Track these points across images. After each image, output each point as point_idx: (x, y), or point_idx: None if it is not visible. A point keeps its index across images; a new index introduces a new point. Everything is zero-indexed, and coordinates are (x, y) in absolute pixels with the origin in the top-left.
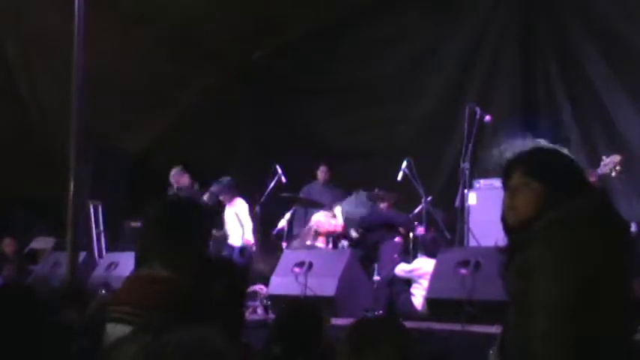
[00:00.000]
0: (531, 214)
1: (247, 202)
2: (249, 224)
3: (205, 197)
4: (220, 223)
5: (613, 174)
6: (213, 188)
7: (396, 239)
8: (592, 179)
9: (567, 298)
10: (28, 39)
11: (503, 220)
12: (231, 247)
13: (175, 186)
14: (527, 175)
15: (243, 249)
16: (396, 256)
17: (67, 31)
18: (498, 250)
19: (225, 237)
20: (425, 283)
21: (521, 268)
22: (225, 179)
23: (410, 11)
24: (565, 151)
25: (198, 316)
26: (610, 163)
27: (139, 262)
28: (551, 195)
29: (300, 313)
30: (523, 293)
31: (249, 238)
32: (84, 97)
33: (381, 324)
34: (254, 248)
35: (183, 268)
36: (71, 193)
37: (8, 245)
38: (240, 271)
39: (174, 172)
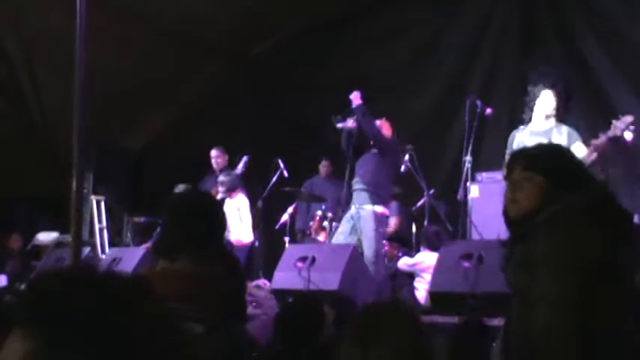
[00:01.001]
0: (533, 207)
1: (248, 198)
2: (248, 221)
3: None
4: None
5: (627, 135)
6: (223, 178)
7: None
8: (602, 141)
9: (569, 290)
10: (29, 36)
11: (505, 213)
12: (230, 244)
13: (217, 167)
14: (530, 169)
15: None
16: None
17: (68, 28)
18: (501, 243)
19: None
20: (427, 277)
21: (524, 261)
22: (234, 172)
23: (410, 6)
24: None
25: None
26: (621, 124)
27: (161, 254)
28: (553, 189)
29: (302, 307)
30: (526, 286)
31: (247, 236)
32: (87, 95)
33: (390, 311)
34: (257, 244)
35: (209, 262)
36: (74, 189)
37: (15, 241)
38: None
39: (216, 152)
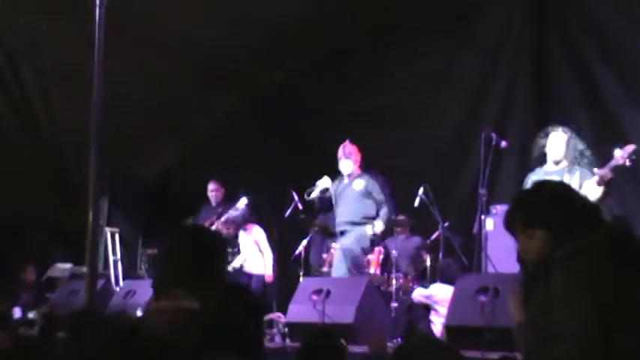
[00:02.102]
0: (545, 254)
1: (264, 229)
2: (269, 254)
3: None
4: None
5: (627, 164)
6: (230, 215)
7: None
8: (605, 172)
9: (589, 327)
10: (44, 62)
11: (520, 258)
12: (249, 275)
13: (215, 200)
14: (529, 225)
15: (261, 278)
16: None
17: (84, 54)
18: (518, 281)
19: (241, 265)
20: (441, 309)
21: (541, 298)
22: (242, 203)
23: (423, 36)
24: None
25: (230, 346)
26: (624, 153)
27: (158, 291)
28: (562, 234)
29: (323, 343)
30: (543, 322)
31: (267, 269)
32: (104, 126)
33: (431, 349)
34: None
35: (209, 298)
36: (90, 221)
37: (30, 273)
38: (256, 298)
39: (213, 186)
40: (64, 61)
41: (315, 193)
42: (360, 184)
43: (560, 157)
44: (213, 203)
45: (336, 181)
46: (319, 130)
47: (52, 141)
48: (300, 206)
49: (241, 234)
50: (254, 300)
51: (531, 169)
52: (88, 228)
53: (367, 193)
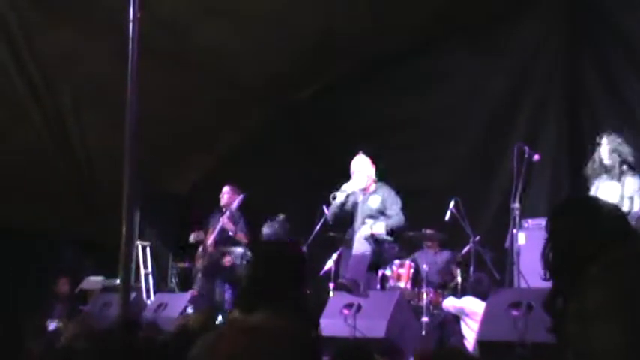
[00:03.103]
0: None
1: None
2: None
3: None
4: None
5: None
6: (267, 230)
7: None
8: None
9: (628, 342)
10: (78, 80)
11: (547, 264)
12: None
13: (222, 203)
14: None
15: None
16: None
17: (116, 73)
18: (549, 296)
19: None
20: (472, 323)
21: (579, 313)
22: (278, 221)
23: (451, 51)
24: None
25: None
26: None
27: (242, 308)
28: (592, 248)
29: (356, 357)
30: (580, 338)
31: None
32: (137, 141)
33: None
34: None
35: (293, 316)
36: (124, 235)
37: (63, 285)
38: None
39: (226, 189)
40: (97, 78)
41: (340, 198)
42: (376, 201)
43: (608, 164)
44: (222, 206)
45: (352, 194)
46: (348, 144)
47: (85, 156)
48: (329, 220)
49: None
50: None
51: (594, 176)
52: (121, 241)
53: (383, 210)
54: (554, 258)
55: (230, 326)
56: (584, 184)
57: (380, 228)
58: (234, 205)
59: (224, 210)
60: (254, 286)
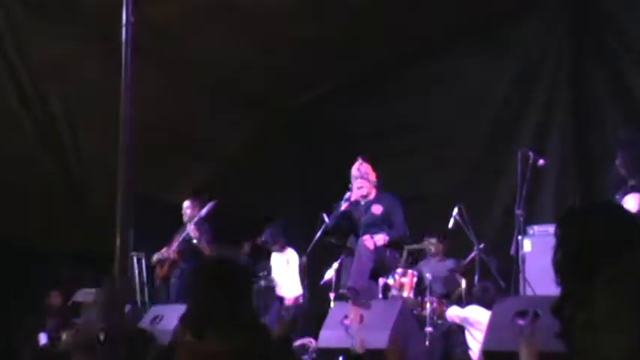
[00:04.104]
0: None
1: (297, 253)
2: (295, 276)
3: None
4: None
5: None
6: (267, 235)
7: None
8: None
9: (637, 353)
10: (69, 86)
11: (557, 271)
12: (280, 298)
13: (186, 218)
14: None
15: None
16: None
17: (109, 78)
18: (558, 302)
19: (272, 287)
20: (476, 333)
21: (587, 322)
22: (279, 224)
23: (457, 55)
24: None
25: None
26: None
27: (195, 329)
28: (605, 255)
29: None
30: (590, 348)
31: (297, 291)
32: (132, 153)
33: None
34: (301, 300)
35: (242, 338)
36: (118, 247)
37: (55, 298)
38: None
39: (187, 203)
40: (89, 84)
41: (343, 206)
42: (378, 209)
43: (624, 175)
44: (186, 221)
45: (353, 204)
46: (348, 150)
47: (78, 165)
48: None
49: (274, 254)
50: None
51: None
52: (116, 253)
53: (387, 218)
54: (564, 264)
55: (183, 351)
56: (592, 188)
57: (380, 239)
58: (204, 211)
59: (187, 224)
60: (202, 309)
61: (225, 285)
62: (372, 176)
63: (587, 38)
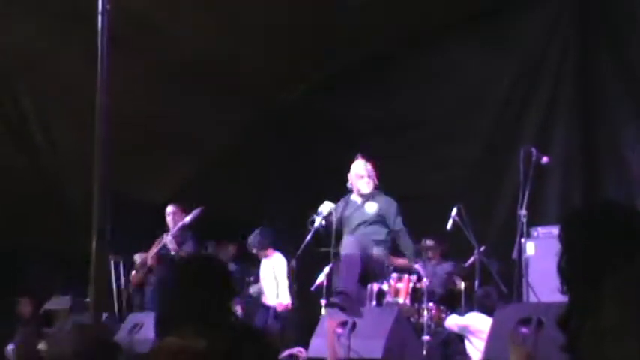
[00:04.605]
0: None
1: (286, 258)
2: (284, 282)
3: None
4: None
5: None
6: (251, 239)
7: None
8: None
9: None
10: (42, 81)
11: (562, 276)
12: (266, 307)
13: (172, 225)
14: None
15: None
16: None
17: (84, 72)
18: (564, 313)
19: (259, 294)
20: (477, 341)
21: (595, 331)
22: (263, 229)
23: (455, 45)
24: None
25: None
26: None
27: (163, 328)
28: (615, 261)
29: None
30: (597, 358)
31: (285, 299)
32: (109, 150)
33: None
34: (290, 307)
35: (217, 337)
36: (94, 252)
37: (24, 306)
38: (270, 341)
39: (172, 209)
40: (63, 77)
41: (318, 222)
42: (373, 207)
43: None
44: (171, 228)
45: (342, 202)
46: (341, 148)
47: (51, 163)
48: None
49: (263, 261)
50: (266, 341)
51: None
52: (92, 257)
53: (380, 217)
54: (570, 270)
55: (156, 347)
56: (599, 187)
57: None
58: (188, 219)
59: (173, 230)
60: (175, 308)
61: (196, 283)
62: (374, 176)
63: (594, 28)
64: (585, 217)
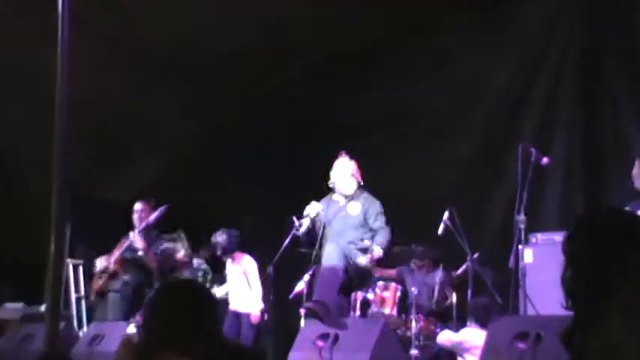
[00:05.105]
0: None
1: (257, 262)
2: (259, 289)
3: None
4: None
5: None
6: (219, 238)
7: None
8: None
9: None
10: None
11: (566, 288)
12: (235, 314)
13: (138, 223)
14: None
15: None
16: None
17: (44, 59)
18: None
19: (225, 300)
20: (472, 358)
21: (601, 348)
22: (233, 231)
23: (448, 34)
24: None
25: None
26: None
27: (147, 347)
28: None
29: None
30: None
31: (256, 306)
32: (70, 143)
33: None
34: (265, 317)
35: (200, 355)
36: (52, 255)
37: None
38: (255, 356)
39: (141, 206)
40: (20, 63)
41: (305, 226)
42: (356, 207)
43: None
44: (138, 226)
45: (324, 202)
46: (321, 144)
47: (5, 157)
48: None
49: (228, 264)
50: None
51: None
52: (49, 260)
53: (364, 220)
54: (575, 284)
55: None
56: (602, 190)
57: (379, 252)
58: (152, 218)
59: (140, 228)
60: (157, 334)
61: (188, 309)
62: (359, 174)
63: (598, 17)
64: (589, 227)
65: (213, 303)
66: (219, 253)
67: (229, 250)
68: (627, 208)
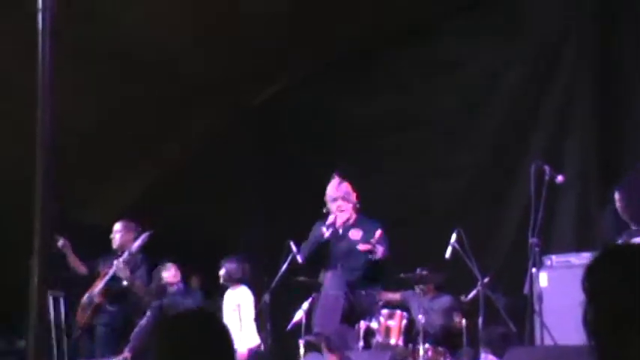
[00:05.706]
0: None
1: (253, 293)
2: (250, 320)
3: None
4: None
5: None
6: (227, 265)
7: None
8: None
9: None
10: None
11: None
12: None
13: (116, 245)
14: None
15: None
16: None
17: (24, 74)
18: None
19: None
20: None
21: None
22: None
23: (451, 36)
24: None
25: None
26: None
27: None
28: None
29: None
30: None
31: (250, 340)
32: (53, 159)
33: None
34: (262, 348)
35: None
36: (35, 285)
37: None
38: None
39: (119, 226)
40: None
41: (326, 235)
42: (357, 234)
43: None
44: (117, 248)
45: (322, 226)
46: (319, 157)
47: None
48: (299, 259)
49: (228, 293)
50: None
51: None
52: (31, 290)
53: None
54: (598, 322)
55: None
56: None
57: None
58: (135, 245)
59: (119, 253)
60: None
61: (194, 346)
62: (353, 197)
63: (617, 17)
64: (616, 258)
65: (230, 339)
66: (222, 281)
67: (236, 278)
68: (620, 241)
